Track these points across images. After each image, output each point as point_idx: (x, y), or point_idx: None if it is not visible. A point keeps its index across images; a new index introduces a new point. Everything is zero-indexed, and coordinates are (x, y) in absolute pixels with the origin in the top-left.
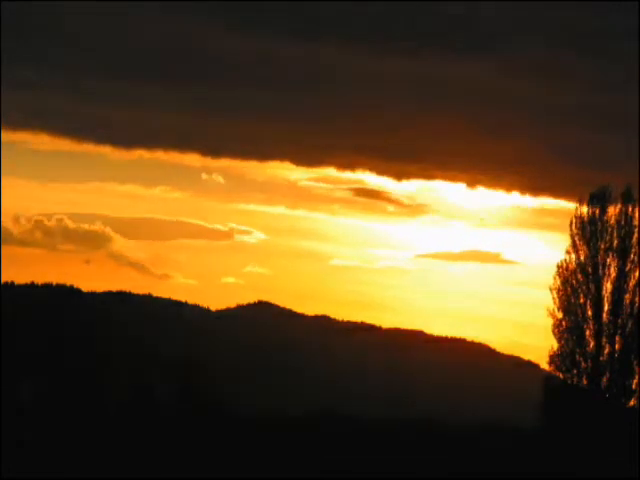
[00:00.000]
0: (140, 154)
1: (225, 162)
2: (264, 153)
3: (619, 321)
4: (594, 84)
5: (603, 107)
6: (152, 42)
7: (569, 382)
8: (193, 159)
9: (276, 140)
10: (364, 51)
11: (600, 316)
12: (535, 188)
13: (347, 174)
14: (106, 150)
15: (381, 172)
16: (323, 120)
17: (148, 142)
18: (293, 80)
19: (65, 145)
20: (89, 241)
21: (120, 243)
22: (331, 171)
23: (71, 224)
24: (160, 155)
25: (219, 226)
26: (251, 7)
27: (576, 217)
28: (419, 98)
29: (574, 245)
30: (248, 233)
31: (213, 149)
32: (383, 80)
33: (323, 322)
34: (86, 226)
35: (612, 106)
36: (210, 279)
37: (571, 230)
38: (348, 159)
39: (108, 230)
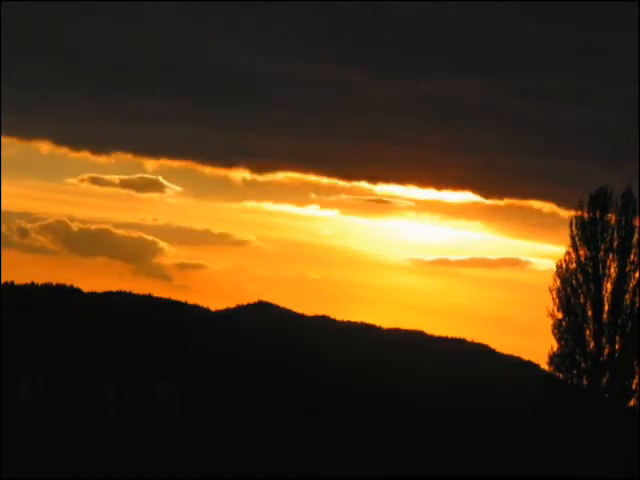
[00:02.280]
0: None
1: None
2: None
3: (619, 321)
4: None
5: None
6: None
7: (569, 382)
8: None
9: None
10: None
11: (600, 316)
12: (535, 188)
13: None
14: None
15: (388, 180)
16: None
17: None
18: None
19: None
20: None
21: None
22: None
23: (115, 230)
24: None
25: None
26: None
27: (576, 217)
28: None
29: (574, 245)
30: None
31: None
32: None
33: (323, 322)
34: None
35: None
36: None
37: (571, 230)
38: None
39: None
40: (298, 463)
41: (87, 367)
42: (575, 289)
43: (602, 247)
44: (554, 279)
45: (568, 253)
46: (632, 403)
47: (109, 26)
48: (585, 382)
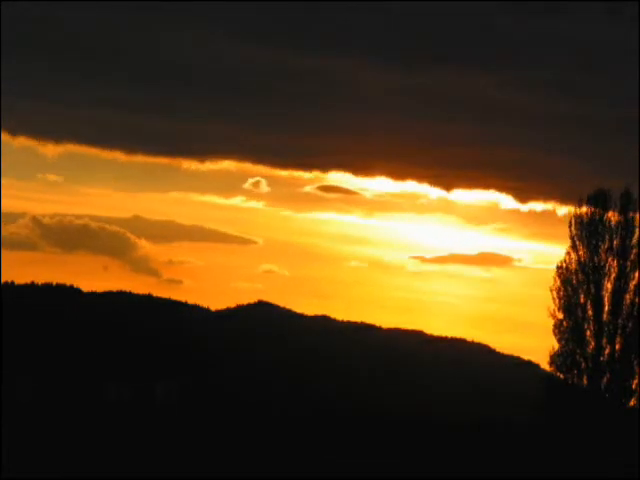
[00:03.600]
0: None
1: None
2: None
3: (619, 321)
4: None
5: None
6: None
7: (569, 382)
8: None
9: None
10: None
11: (600, 316)
12: (537, 189)
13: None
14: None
15: (389, 175)
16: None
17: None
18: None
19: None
20: (110, 244)
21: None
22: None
23: (93, 225)
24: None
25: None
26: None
27: (576, 218)
28: (424, 109)
29: (574, 246)
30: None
31: None
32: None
33: (323, 322)
34: (107, 227)
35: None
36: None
37: (571, 231)
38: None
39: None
40: (298, 463)
41: (87, 367)
42: (575, 289)
43: (602, 247)
44: (554, 279)
45: (568, 253)
46: (632, 403)
47: None
48: (585, 382)
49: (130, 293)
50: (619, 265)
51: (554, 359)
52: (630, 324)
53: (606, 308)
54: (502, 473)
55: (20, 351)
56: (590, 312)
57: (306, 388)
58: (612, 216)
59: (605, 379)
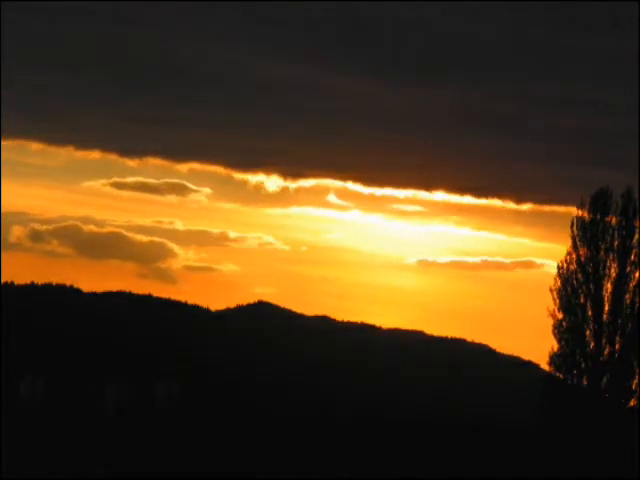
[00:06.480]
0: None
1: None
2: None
3: (619, 321)
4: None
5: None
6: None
7: (569, 382)
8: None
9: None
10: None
11: (600, 316)
12: (538, 190)
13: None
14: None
15: (392, 183)
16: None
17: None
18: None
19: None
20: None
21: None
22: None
23: (90, 229)
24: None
25: None
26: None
27: (577, 218)
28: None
29: (575, 246)
30: None
31: None
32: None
33: (323, 322)
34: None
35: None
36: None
37: (572, 231)
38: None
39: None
40: (298, 466)
41: (87, 367)
42: (575, 289)
43: (602, 247)
44: (555, 279)
45: (569, 253)
46: (632, 403)
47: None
48: (585, 382)
49: (130, 293)
50: (619, 265)
51: (554, 359)
52: (630, 324)
53: (606, 308)
54: (502, 474)
55: (19, 351)
56: (590, 312)
57: (306, 388)
58: (613, 216)
59: (605, 379)
